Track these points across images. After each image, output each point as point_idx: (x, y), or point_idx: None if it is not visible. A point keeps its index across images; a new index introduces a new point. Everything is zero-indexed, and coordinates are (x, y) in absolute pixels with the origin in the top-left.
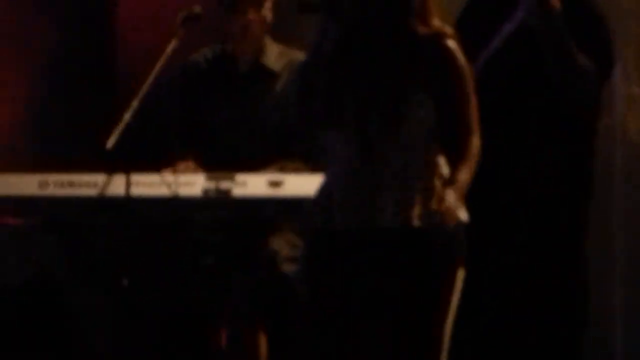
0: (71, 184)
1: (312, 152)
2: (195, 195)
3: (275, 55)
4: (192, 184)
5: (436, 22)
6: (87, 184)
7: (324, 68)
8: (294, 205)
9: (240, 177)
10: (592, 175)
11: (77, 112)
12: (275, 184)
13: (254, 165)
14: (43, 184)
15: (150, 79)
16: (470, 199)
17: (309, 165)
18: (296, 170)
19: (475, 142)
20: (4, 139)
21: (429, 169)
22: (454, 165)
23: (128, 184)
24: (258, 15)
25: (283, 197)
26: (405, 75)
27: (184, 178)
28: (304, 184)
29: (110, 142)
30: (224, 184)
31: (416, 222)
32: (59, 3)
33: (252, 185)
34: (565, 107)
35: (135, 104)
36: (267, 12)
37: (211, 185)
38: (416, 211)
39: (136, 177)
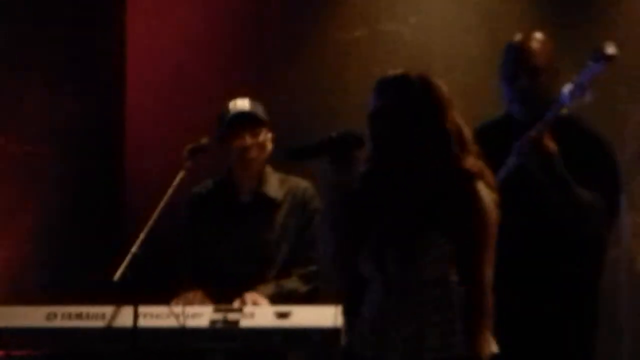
0: (79, 316)
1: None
2: (203, 326)
3: (276, 184)
4: (200, 315)
5: (470, 161)
6: (94, 316)
7: (350, 205)
8: (301, 335)
9: (248, 309)
10: (598, 306)
11: (84, 243)
12: (282, 315)
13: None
14: (51, 316)
15: (158, 211)
16: None
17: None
18: (293, 289)
19: (487, 303)
20: (10, 272)
21: (447, 303)
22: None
23: (136, 316)
24: (255, 141)
25: (290, 327)
26: (423, 213)
27: (191, 309)
28: (311, 315)
29: (118, 274)
30: (232, 315)
31: (428, 357)
32: (67, 133)
33: (260, 316)
34: (571, 241)
35: (142, 235)
36: (266, 139)
37: (219, 316)
38: (430, 344)
39: (144, 309)
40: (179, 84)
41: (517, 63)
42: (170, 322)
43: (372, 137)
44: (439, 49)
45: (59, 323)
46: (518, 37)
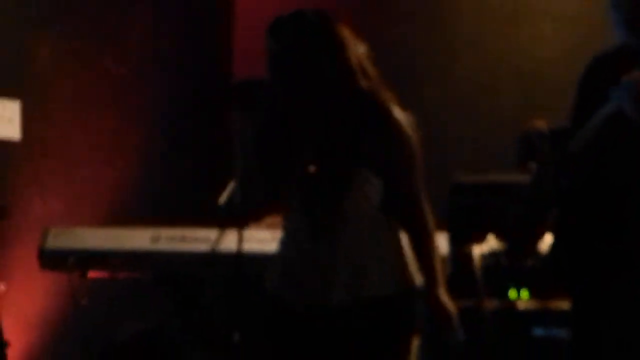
0: (183, 239)
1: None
2: None
3: None
4: None
5: (384, 94)
6: (199, 239)
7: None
8: None
9: None
10: None
11: (192, 167)
12: None
13: None
14: (155, 239)
15: None
16: None
17: None
18: None
19: (424, 216)
20: (118, 193)
21: (382, 239)
22: (415, 252)
23: (240, 240)
24: None
25: None
26: (347, 152)
27: None
28: None
29: (223, 198)
30: None
31: (367, 292)
32: (176, 57)
33: None
34: None
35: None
36: None
37: None
38: (370, 280)
39: (249, 233)
40: None
41: None
42: (273, 247)
43: (276, 79)
44: None
45: (163, 245)
46: None
